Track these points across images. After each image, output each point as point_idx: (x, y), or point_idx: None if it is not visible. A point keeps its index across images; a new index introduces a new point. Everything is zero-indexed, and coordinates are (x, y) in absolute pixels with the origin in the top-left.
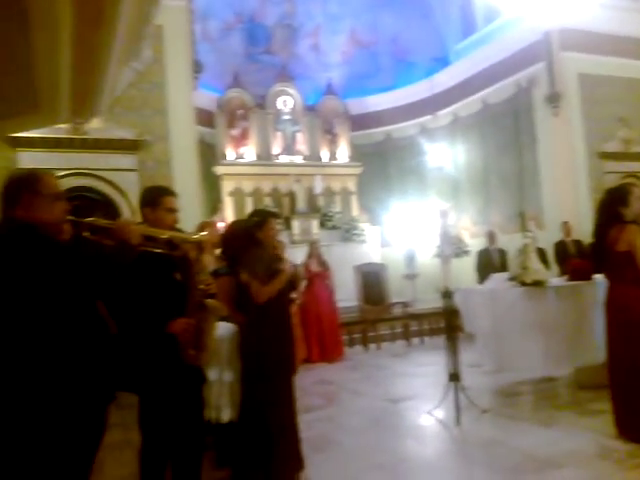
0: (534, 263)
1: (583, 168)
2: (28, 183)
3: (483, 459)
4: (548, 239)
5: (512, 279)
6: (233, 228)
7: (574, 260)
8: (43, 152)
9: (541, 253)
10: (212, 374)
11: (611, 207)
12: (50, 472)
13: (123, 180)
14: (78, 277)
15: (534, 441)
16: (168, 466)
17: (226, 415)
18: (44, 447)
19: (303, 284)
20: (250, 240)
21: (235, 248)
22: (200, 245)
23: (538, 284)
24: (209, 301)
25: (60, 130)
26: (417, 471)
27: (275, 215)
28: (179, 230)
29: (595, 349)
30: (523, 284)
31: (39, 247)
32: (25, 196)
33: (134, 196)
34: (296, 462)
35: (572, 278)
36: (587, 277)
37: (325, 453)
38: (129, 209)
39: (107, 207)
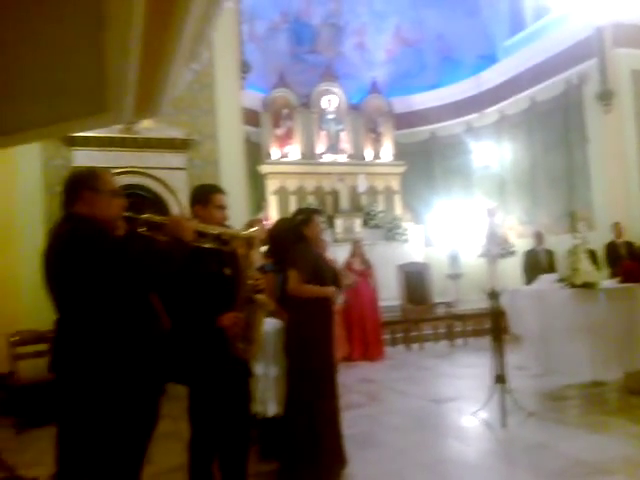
0: (584, 264)
1: (636, 167)
2: (87, 180)
3: (529, 462)
4: (598, 240)
5: (561, 280)
6: (279, 226)
7: (626, 262)
8: (97, 151)
9: (592, 254)
10: (258, 369)
11: None
12: (109, 458)
13: (172, 178)
14: (132, 271)
15: (582, 446)
16: (216, 458)
17: (271, 409)
18: (106, 435)
19: (351, 281)
20: (296, 237)
21: (281, 245)
22: (250, 241)
23: (588, 286)
24: (258, 296)
25: (113, 129)
26: (461, 472)
27: (320, 212)
28: (228, 227)
29: None
30: (573, 286)
31: (98, 242)
32: (84, 193)
33: (183, 194)
34: (340, 457)
35: (624, 280)
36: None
37: (368, 451)
38: (178, 207)
39: (157, 205)
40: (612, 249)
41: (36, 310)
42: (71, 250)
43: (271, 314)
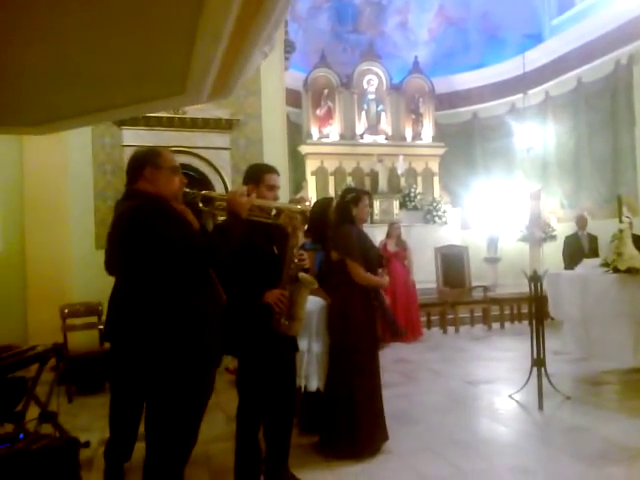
0: (629, 249)
1: None
2: (150, 158)
3: (566, 444)
4: None
5: (605, 265)
6: (320, 205)
7: None
8: (145, 130)
9: (637, 239)
10: (302, 345)
11: None
12: (168, 422)
13: (217, 158)
14: (193, 246)
15: (621, 430)
16: (261, 427)
17: (313, 384)
18: (167, 400)
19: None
20: (343, 216)
21: (321, 224)
22: (305, 215)
23: (633, 271)
24: (302, 275)
25: None
26: (497, 450)
27: (368, 193)
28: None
29: None
30: (616, 270)
31: (163, 218)
32: (147, 170)
33: (227, 173)
34: (381, 432)
35: None
36: None
37: (404, 427)
38: (222, 185)
39: (202, 183)
40: None
41: (86, 284)
42: (136, 226)
43: (313, 292)
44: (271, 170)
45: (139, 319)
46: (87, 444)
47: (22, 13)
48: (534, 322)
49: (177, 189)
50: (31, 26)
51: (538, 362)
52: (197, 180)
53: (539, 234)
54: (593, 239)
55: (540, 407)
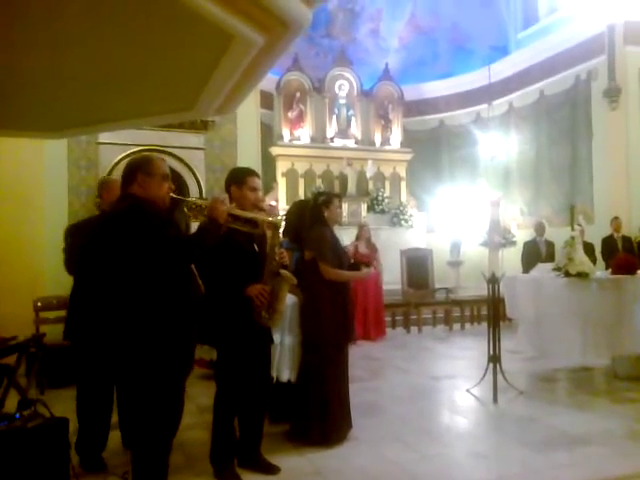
0: (579, 255)
1: (638, 164)
2: (142, 165)
3: (516, 433)
4: (597, 234)
5: (557, 269)
6: (296, 207)
7: (620, 255)
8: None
9: (588, 247)
10: (275, 337)
11: None
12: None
13: (191, 158)
14: (177, 243)
15: (567, 421)
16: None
17: (285, 375)
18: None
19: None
20: (316, 218)
21: (298, 225)
22: (276, 225)
23: (582, 276)
24: (283, 271)
25: None
26: (456, 438)
27: (339, 196)
28: (260, 208)
29: (634, 341)
30: (567, 275)
31: (150, 219)
32: (140, 176)
33: (201, 173)
34: (347, 421)
35: (615, 272)
36: (631, 272)
37: (373, 417)
38: (196, 185)
39: (176, 182)
40: (609, 243)
41: (58, 277)
42: (127, 223)
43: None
44: (253, 173)
45: (121, 314)
46: None
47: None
48: (491, 321)
49: (165, 194)
50: (50, 43)
51: (493, 359)
52: (171, 179)
53: (497, 239)
54: (550, 245)
55: (495, 400)
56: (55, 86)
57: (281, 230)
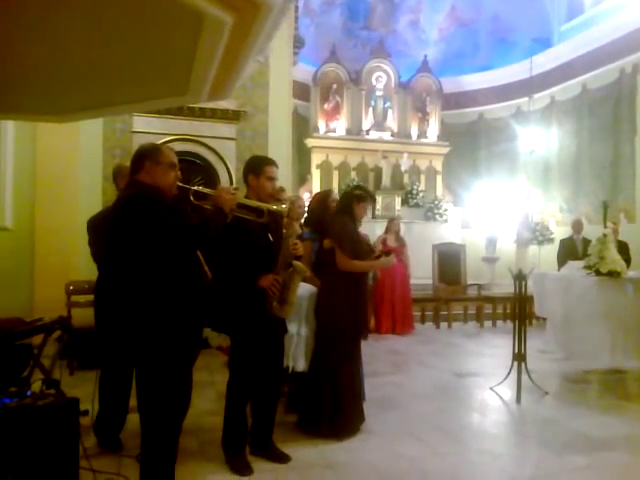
0: (612, 253)
1: None
2: (151, 153)
3: (536, 434)
4: (638, 233)
5: (588, 267)
6: (318, 198)
7: None
8: (155, 117)
9: (622, 245)
10: (292, 328)
11: None
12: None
13: (223, 148)
14: (181, 230)
15: (590, 424)
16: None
17: (300, 365)
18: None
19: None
20: (343, 207)
21: (319, 216)
22: (280, 216)
23: (613, 274)
24: (295, 262)
25: None
26: (471, 436)
27: (374, 198)
28: (277, 198)
29: None
30: (598, 273)
31: (155, 205)
32: (147, 164)
33: (232, 163)
34: (359, 414)
35: None
36: None
37: (389, 412)
38: (227, 174)
39: (207, 171)
40: None
41: (91, 263)
42: (133, 209)
43: (306, 280)
44: (271, 162)
45: (129, 299)
46: (86, 412)
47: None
48: (517, 319)
49: (172, 183)
50: (51, 34)
51: (518, 357)
52: (202, 168)
53: (527, 234)
54: (587, 243)
55: (518, 400)
56: (52, 72)
57: (302, 220)
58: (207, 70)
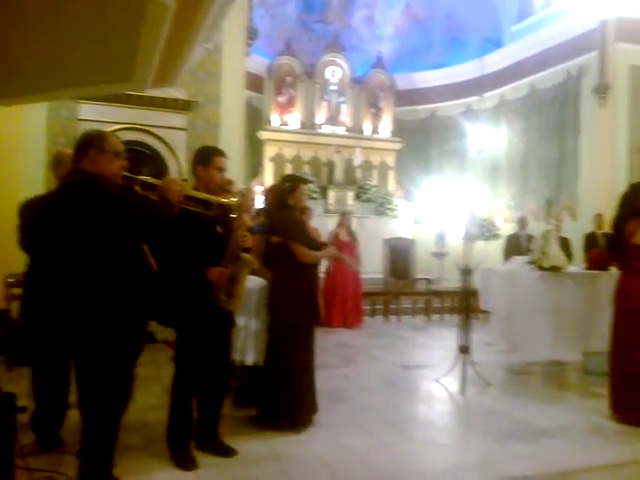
0: (554, 249)
1: (623, 162)
2: (95, 141)
3: (479, 424)
4: (581, 230)
5: (531, 263)
6: (271, 191)
7: (594, 250)
8: (102, 105)
9: (564, 242)
10: (240, 321)
11: (632, 201)
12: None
13: (173, 138)
14: (126, 221)
15: (532, 413)
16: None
17: (250, 359)
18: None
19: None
20: (282, 204)
21: (270, 210)
22: (228, 208)
23: (555, 270)
24: (244, 255)
25: None
26: (417, 427)
27: (305, 181)
28: (226, 189)
29: (604, 337)
30: (541, 268)
31: (99, 195)
32: (92, 152)
33: (182, 154)
34: (314, 405)
35: (590, 267)
36: (604, 267)
37: (338, 404)
38: (176, 165)
39: (156, 162)
40: (591, 239)
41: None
42: (76, 198)
43: (256, 272)
44: (220, 153)
45: (68, 290)
46: (24, 409)
47: None
48: (462, 312)
49: (117, 172)
50: None
51: (463, 349)
52: (151, 158)
53: (474, 230)
54: (531, 239)
55: (462, 391)
56: None
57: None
58: (151, 55)
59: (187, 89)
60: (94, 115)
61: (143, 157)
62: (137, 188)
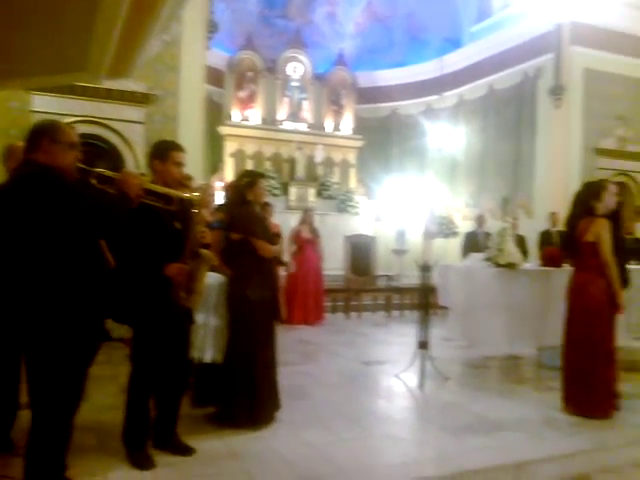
0: (509, 246)
1: (577, 162)
2: (49, 131)
3: (437, 418)
4: (535, 227)
5: (487, 260)
6: (230, 187)
7: (548, 248)
8: (56, 97)
9: (520, 239)
10: (199, 318)
11: (585, 200)
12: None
13: (130, 131)
14: (83, 214)
15: (488, 407)
16: (151, 397)
17: (208, 356)
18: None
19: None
20: (241, 199)
21: (227, 206)
22: (190, 203)
23: (511, 266)
24: (203, 251)
25: None
26: (376, 422)
27: (264, 176)
28: (185, 184)
29: (559, 331)
30: (497, 265)
31: (54, 187)
32: (45, 142)
33: (139, 148)
34: (276, 401)
35: (544, 264)
36: (558, 264)
37: (298, 401)
38: (133, 160)
39: (113, 156)
40: (545, 237)
41: None
42: (29, 190)
43: (214, 269)
44: (178, 147)
45: (18, 286)
46: None
47: None
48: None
49: (71, 164)
50: None
51: (422, 345)
52: (107, 152)
53: (433, 228)
54: (488, 236)
55: (421, 386)
56: None
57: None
58: (106, 45)
59: (145, 82)
60: (47, 107)
61: (99, 151)
62: (93, 181)
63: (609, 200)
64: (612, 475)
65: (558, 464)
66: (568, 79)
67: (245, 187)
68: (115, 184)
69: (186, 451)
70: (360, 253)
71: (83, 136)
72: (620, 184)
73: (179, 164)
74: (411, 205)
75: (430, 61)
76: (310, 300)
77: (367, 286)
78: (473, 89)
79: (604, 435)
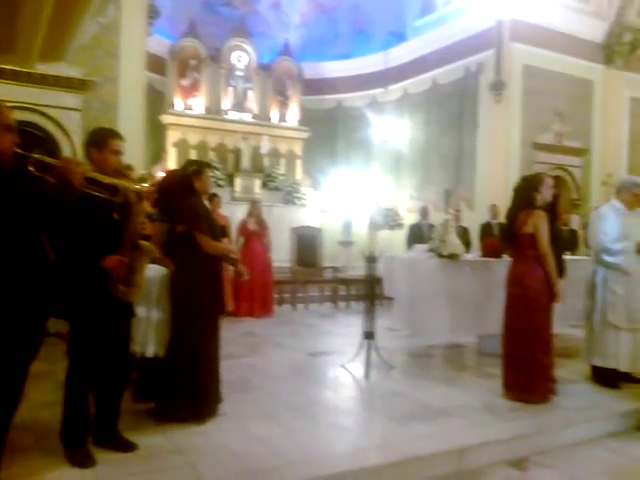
0: (452, 237)
1: (516, 156)
2: None
3: (382, 407)
4: (477, 219)
5: (431, 251)
6: (169, 177)
7: (489, 239)
8: None
9: (463, 231)
10: (140, 311)
11: (524, 193)
12: None
13: (67, 119)
14: (24, 205)
15: (432, 395)
16: (90, 393)
17: (150, 350)
18: None
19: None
20: (187, 189)
21: (170, 197)
22: (140, 195)
23: (453, 257)
24: (143, 242)
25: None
26: (322, 412)
27: (210, 166)
28: (125, 176)
29: (499, 320)
30: (440, 256)
31: None
32: None
33: (77, 136)
34: (218, 395)
35: (485, 255)
36: (497, 255)
37: (244, 393)
38: (71, 149)
39: (48, 144)
40: (486, 228)
41: None
42: None
43: (155, 261)
44: (116, 135)
45: None
46: None
47: None
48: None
49: (8, 148)
50: None
51: (368, 335)
52: (42, 140)
53: (379, 219)
54: (432, 228)
55: (367, 375)
56: None
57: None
58: (34, 27)
59: (82, 68)
60: None
61: (33, 139)
62: (31, 168)
63: (546, 193)
64: (550, 456)
65: (499, 448)
66: (508, 75)
67: (192, 175)
68: (55, 172)
69: (128, 447)
70: (306, 245)
71: (17, 123)
72: (556, 177)
73: (117, 152)
74: (357, 197)
75: (375, 54)
76: (257, 292)
77: (313, 278)
78: (417, 83)
79: (542, 419)
